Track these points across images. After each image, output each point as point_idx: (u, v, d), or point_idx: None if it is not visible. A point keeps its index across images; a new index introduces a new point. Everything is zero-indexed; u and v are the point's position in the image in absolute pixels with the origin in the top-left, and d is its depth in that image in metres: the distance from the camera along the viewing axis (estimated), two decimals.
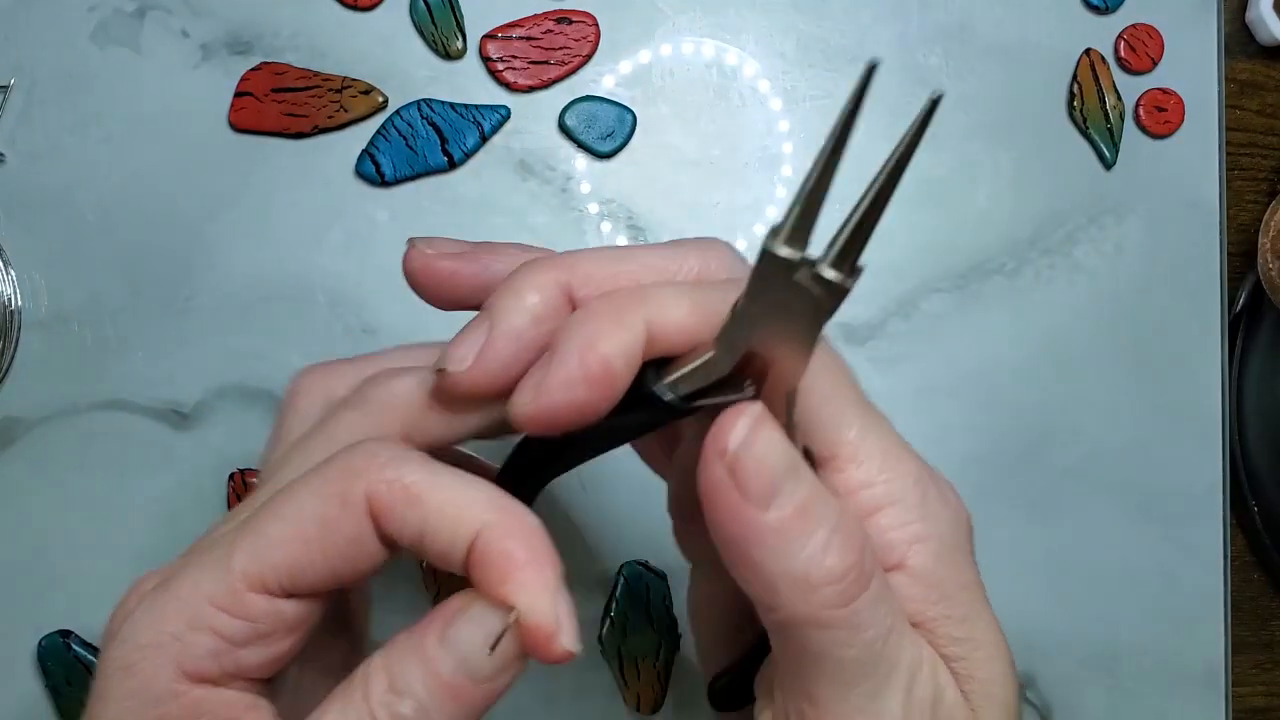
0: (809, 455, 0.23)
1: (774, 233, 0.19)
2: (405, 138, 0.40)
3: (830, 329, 0.22)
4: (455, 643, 0.21)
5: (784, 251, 0.19)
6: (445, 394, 0.23)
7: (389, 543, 0.22)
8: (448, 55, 0.41)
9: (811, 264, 0.19)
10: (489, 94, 0.41)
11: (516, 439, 0.24)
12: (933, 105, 0.18)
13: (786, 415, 0.21)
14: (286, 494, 0.22)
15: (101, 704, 0.21)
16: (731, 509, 0.21)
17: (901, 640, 0.22)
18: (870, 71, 0.17)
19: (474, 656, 0.21)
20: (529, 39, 0.41)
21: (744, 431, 0.20)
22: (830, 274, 0.19)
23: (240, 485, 0.39)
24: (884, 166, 0.18)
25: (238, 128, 0.40)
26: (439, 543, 0.21)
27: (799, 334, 0.20)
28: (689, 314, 0.22)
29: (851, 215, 0.19)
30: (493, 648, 0.21)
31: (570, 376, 0.21)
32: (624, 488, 0.40)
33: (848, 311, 0.42)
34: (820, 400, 0.23)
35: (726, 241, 0.25)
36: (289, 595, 0.22)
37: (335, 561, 0.22)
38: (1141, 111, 0.45)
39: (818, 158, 0.18)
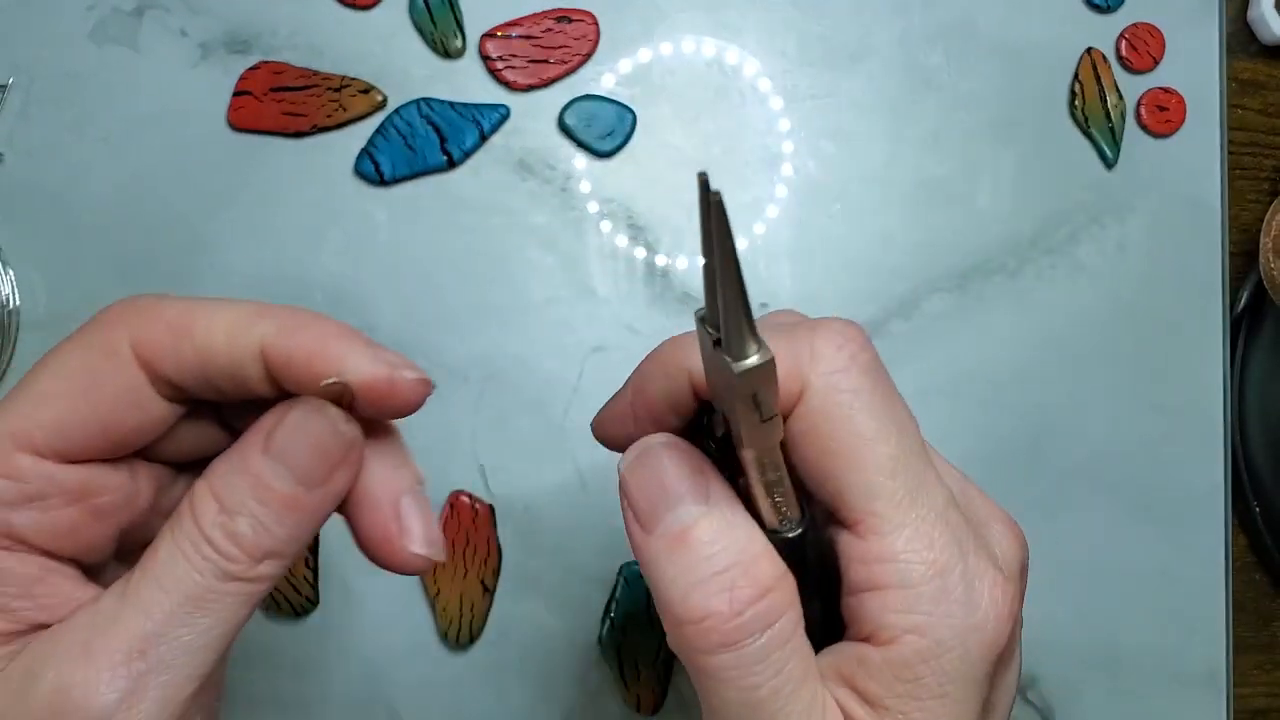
0: (803, 511, 0.23)
1: (699, 311, 0.20)
2: (404, 137, 0.40)
3: None
4: (282, 452, 0.20)
5: (704, 328, 0.20)
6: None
7: (170, 391, 0.22)
8: (447, 54, 0.41)
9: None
10: (488, 93, 0.41)
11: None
12: (704, 189, 0.18)
13: (761, 473, 0.22)
14: (54, 353, 0.21)
15: None
16: (628, 522, 0.22)
17: (783, 714, 0.21)
18: (705, 186, 0.18)
19: (303, 463, 0.20)
20: (529, 38, 0.41)
21: (631, 456, 0.22)
22: (725, 357, 0.19)
23: None
24: (710, 263, 0.19)
25: (236, 127, 0.39)
26: (223, 367, 0.21)
27: (735, 402, 0.20)
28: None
29: (714, 310, 0.19)
30: (323, 443, 0.20)
31: (621, 413, 0.25)
32: None
33: (849, 312, 0.42)
34: (850, 467, 0.22)
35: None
36: (62, 459, 0.21)
37: (106, 416, 0.21)
38: (1143, 110, 0.45)
39: (705, 263, 0.19)
